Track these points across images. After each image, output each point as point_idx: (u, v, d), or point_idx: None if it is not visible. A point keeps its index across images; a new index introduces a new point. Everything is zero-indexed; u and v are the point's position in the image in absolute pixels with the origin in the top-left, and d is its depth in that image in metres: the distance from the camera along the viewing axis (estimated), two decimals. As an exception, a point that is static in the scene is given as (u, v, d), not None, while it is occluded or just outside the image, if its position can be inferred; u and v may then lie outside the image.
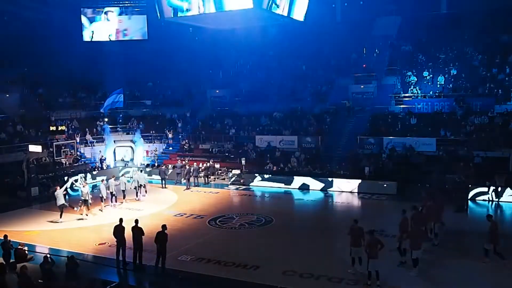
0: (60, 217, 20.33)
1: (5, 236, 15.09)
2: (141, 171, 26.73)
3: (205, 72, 40.60)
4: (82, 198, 21.06)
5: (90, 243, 17.41)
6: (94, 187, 27.14)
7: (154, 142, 35.78)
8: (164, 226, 14.55)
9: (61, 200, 20.20)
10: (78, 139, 33.06)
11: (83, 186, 21.90)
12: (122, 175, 28.78)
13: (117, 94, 33.87)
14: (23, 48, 37.28)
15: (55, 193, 20.44)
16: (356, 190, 25.01)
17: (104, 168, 31.54)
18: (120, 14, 40.18)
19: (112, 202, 23.04)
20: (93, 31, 40.13)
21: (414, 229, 14.22)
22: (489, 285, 13.23)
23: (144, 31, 40.43)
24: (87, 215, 21.06)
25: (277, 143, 30.99)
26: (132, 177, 25.68)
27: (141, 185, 24.97)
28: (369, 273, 12.90)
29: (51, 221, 20.48)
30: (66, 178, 27.89)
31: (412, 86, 31.42)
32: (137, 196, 24.52)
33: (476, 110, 27.76)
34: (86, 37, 39.96)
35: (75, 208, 21.14)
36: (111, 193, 22.92)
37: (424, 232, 15.25)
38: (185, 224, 19.83)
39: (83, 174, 29.20)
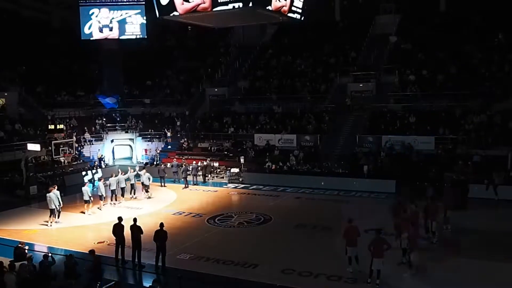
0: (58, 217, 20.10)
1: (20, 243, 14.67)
2: (145, 170, 26.66)
3: (204, 70, 40.51)
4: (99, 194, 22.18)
5: (89, 242, 17.38)
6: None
7: (153, 141, 35.73)
8: (161, 224, 14.59)
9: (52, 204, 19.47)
10: (76, 138, 32.98)
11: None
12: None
13: (113, 98, 35.84)
14: (22, 46, 37.15)
15: (48, 194, 19.57)
16: (355, 189, 24.99)
17: (103, 166, 31.51)
18: (118, 12, 40.06)
19: (112, 200, 23.20)
20: (91, 29, 40.01)
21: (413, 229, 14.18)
22: (488, 283, 13.17)
23: (142, 29, 40.36)
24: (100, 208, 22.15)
25: (276, 142, 30.97)
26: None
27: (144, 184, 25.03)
28: (371, 271, 12.83)
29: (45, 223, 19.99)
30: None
31: (411, 85, 31.37)
32: (134, 193, 24.54)
33: (475, 109, 27.73)
34: (85, 35, 39.84)
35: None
36: (112, 191, 23.08)
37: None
38: (184, 223, 19.83)
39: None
